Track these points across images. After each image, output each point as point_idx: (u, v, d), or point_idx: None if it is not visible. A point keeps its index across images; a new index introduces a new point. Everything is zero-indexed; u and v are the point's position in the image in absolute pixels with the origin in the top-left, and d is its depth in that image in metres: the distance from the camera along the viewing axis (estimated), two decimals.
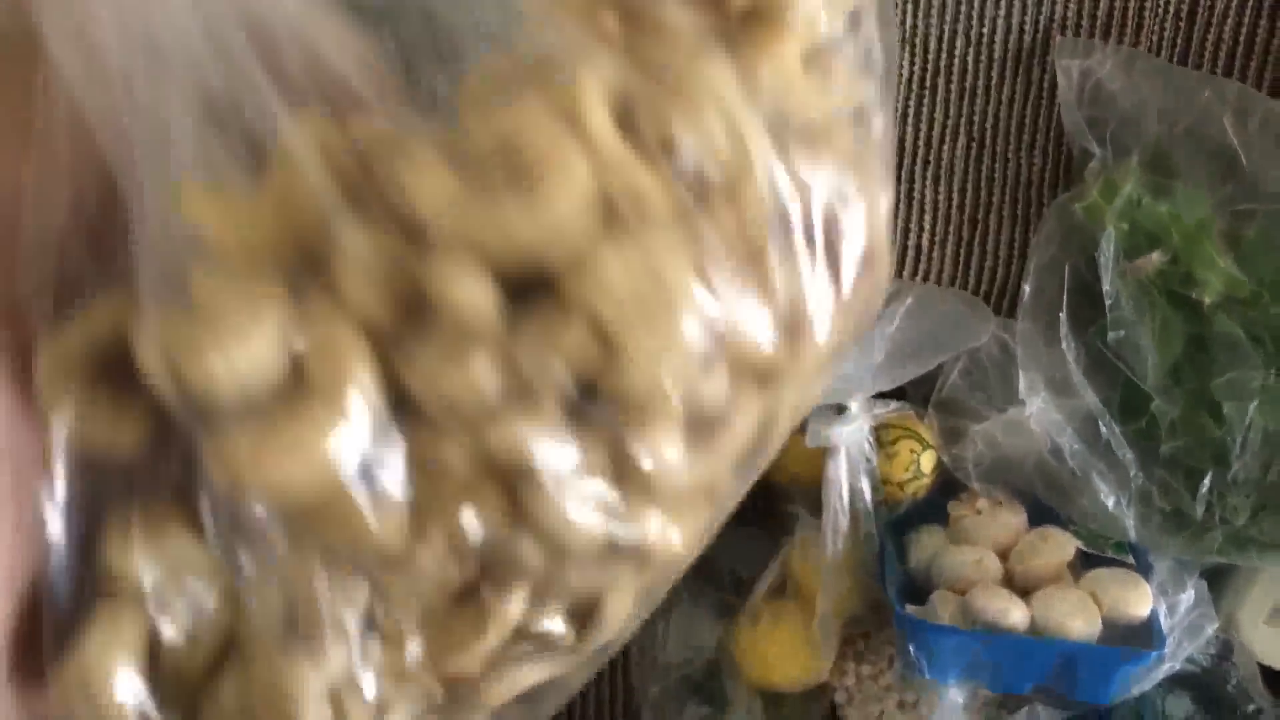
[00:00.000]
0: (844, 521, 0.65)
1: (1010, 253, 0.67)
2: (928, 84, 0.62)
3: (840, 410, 0.63)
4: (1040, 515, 0.69)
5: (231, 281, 0.20)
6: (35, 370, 0.21)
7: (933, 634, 0.64)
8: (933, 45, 0.61)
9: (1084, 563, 0.67)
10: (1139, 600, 0.63)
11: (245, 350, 0.19)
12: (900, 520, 0.71)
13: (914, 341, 0.59)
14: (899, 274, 0.67)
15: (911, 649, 0.65)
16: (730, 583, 0.73)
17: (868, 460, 0.65)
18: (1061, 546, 0.66)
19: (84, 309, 0.21)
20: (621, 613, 0.24)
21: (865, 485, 0.66)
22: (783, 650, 0.68)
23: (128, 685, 0.21)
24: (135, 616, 0.21)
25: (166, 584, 0.21)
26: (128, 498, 0.21)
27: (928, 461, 0.68)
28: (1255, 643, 0.69)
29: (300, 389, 0.20)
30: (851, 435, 0.64)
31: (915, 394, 0.71)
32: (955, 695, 0.65)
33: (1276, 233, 0.63)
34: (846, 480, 0.65)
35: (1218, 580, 0.71)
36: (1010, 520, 0.68)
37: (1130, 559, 0.66)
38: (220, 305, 0.19)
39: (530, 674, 0.24)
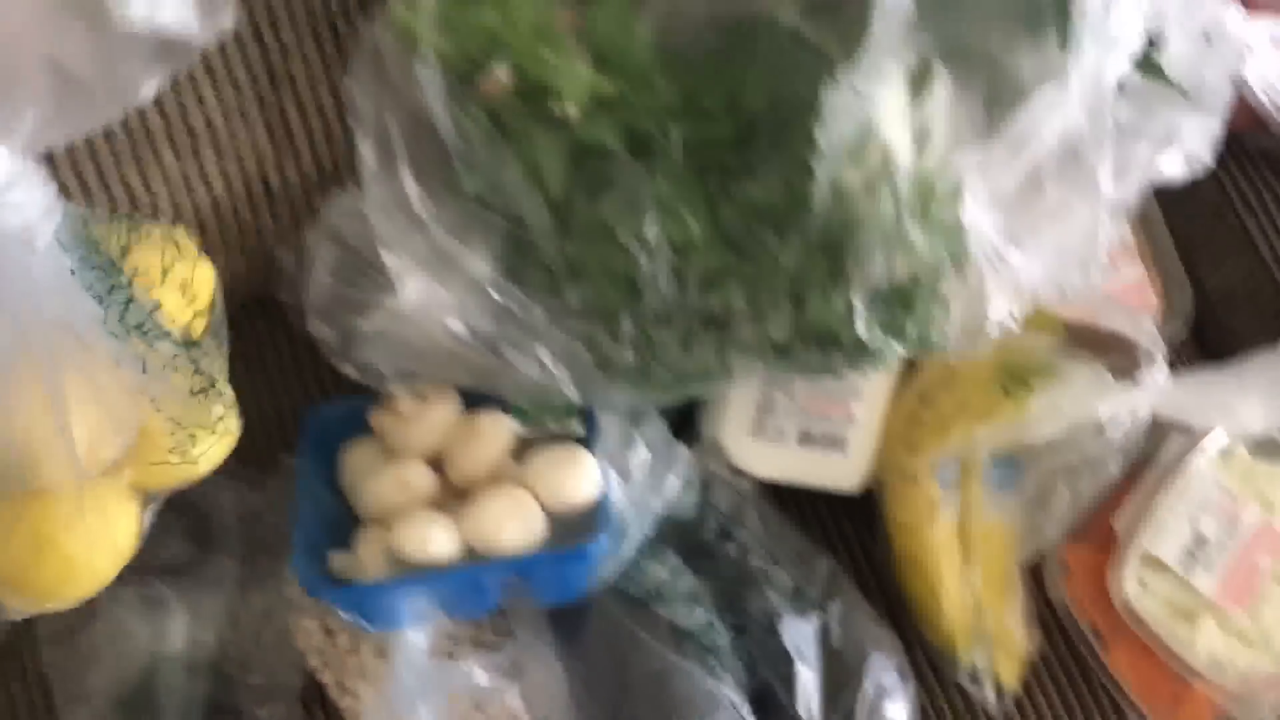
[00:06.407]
0: None
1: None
2: None
3: None
4: (479, 400, 0.58)
5: None
6: None
7: (359, 597, 0.54)
8: None
9: (526, 446, 0.57)
10: (581, 482, 0.55)
11: None
12: (325, 428, 0.59)
13: None
14: None
15: (343, 615, 0.54)
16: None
17: None
18: (492, 436, 0.57)
19: None
20: None
21: None
22: None
23: None
24: None
25: None
26: None
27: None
28: (750, 462, 0.63)
29: None
30: None
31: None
32: (414, 638, 0.55)
33: (621, 13, 0.52)
34: None
35: (690, 410, 0.63)
36: (440, 416, 0.58)
37: (576, 426, 0.57)
38: None
39: None
